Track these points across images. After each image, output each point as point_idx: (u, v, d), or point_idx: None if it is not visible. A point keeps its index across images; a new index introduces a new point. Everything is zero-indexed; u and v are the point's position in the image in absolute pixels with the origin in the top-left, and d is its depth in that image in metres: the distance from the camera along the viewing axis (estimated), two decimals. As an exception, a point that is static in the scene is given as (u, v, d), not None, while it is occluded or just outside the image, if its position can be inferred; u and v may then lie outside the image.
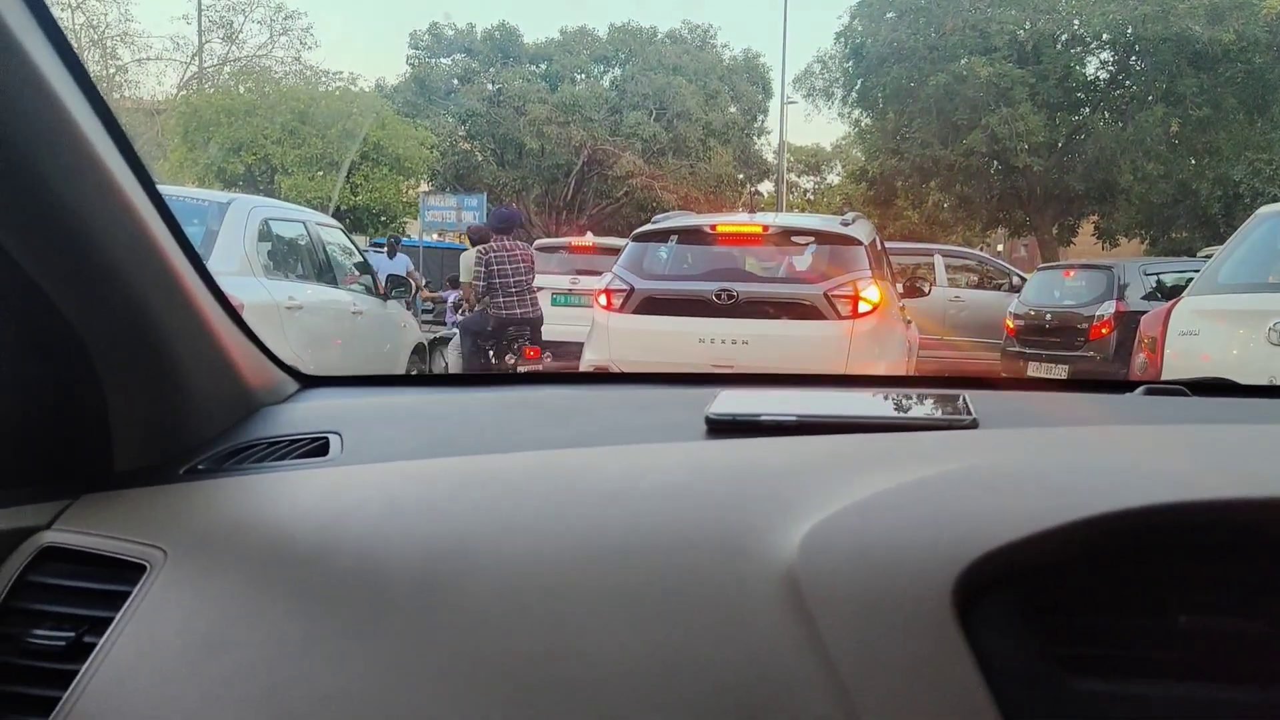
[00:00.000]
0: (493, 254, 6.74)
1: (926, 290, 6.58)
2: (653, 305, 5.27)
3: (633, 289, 5.32)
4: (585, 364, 5.48)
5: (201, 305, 0.96)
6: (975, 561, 0.64)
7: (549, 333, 9.10)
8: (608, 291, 5.41)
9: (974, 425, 0.95)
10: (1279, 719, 0.63)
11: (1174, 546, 0.68)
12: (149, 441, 0.94)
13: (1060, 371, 8.38)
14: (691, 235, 5.67)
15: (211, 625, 0.72)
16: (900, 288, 6.15)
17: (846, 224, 5.55)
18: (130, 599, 0.75)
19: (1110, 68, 19.24)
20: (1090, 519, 0.65)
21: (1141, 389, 1.16)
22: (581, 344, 5.67)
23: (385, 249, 12.56)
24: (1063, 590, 0.67)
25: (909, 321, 6.20)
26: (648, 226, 5.89)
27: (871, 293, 5.10)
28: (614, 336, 5.31)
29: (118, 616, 0.74)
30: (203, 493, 0.89)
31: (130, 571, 0.78)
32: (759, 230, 5.59)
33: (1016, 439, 0.90)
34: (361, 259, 6.88)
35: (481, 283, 6.68)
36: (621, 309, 5.31)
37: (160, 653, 0.71)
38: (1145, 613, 0.67)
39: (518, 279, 6.73)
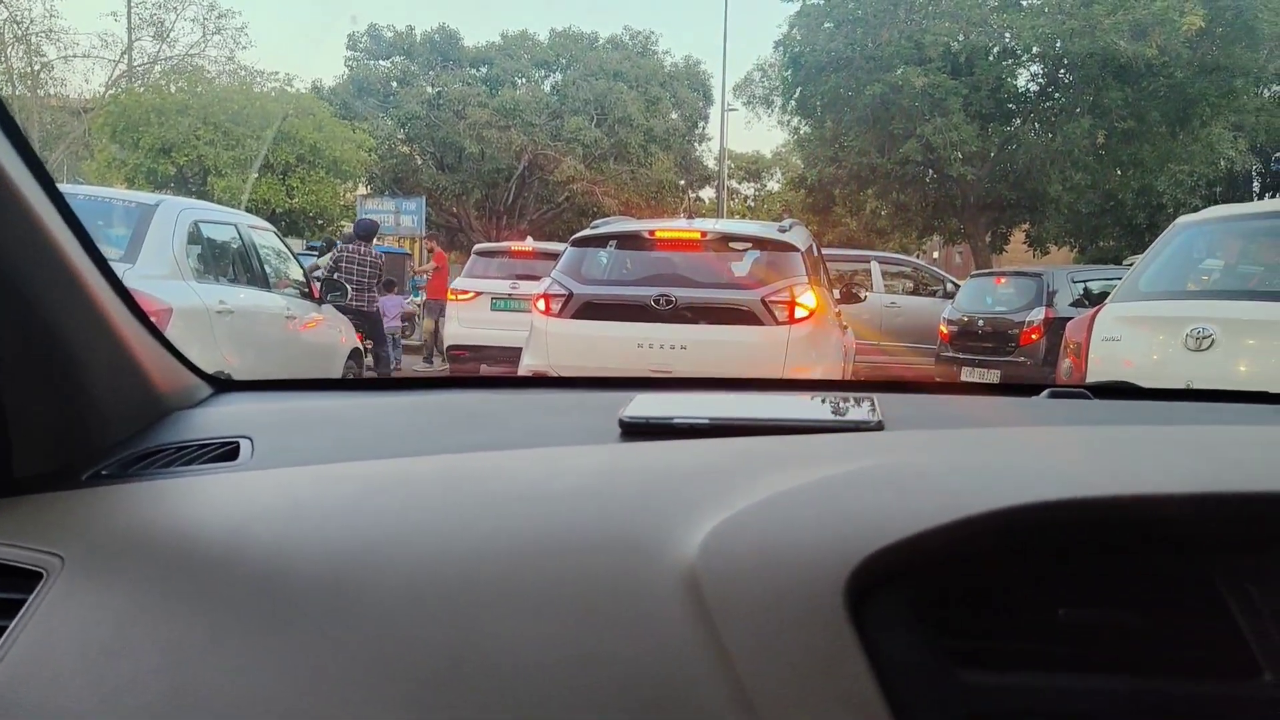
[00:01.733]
0: (343, 255, 8.59)
1: (863, 296, 6.68)
2: (591, 310, 5.28)
3: (571, 294, 5.31)
4: (524, 369, 5.46)
5: (105, 307, 0.94)
6: (867, 559, 0.65)
7: (488, 338, 9.14)
8: (546, 296, 5.41)
9: (880, 427, 0.97)
10: (1156, 706, 0.65)
11: (1061, 543, 0.70)
12: (50, 446, 0.92)
13: (993, 376, 8.58)
14: (630, 240, 5.68)
15: (111, 632, 0.71)
16: (837, 294, 6.22)
17: (783, 230, 5.64)
18: (25, 607, 0.74)
19: (1040, 80, 19.72)
20: (978, 516, 0.67)
21: (1046, 392, 1.19)
22: (520, 349, 5.66)
23: (317, 253, 12.44)
24: (952, 586, 0.69)
25: (845, 327, 6.29)
26: (586, 232, 5.90)
27: (808, 298, 5.17)
28: (552, 342, 5.30)
29: (11, 626, 0.73)
30: (105, 498, 0.87)
31: (27, 579, 0.77)
32: (697, 236, 5.61)
33: (918, 440, 0.92)
34: (298, 263, 6.78)
35: (330, 276, 7.97)
36: (560, 314, 5.31)
37: (57, 661, 0.69)
38: (1032, 607, 0.69)
39: (360, 278, 8.25)
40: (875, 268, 11.83)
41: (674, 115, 28.21)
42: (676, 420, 0.98)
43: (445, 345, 9.88)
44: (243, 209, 12.95)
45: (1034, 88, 19.79)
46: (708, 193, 31.54)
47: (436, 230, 22.94)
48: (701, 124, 29.65)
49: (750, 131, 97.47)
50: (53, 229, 0.86)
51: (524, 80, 27.44)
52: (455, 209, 27.03)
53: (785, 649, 0.62)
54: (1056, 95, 19.36)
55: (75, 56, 26.64)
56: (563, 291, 5.35)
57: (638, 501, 0.78)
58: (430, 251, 12.38)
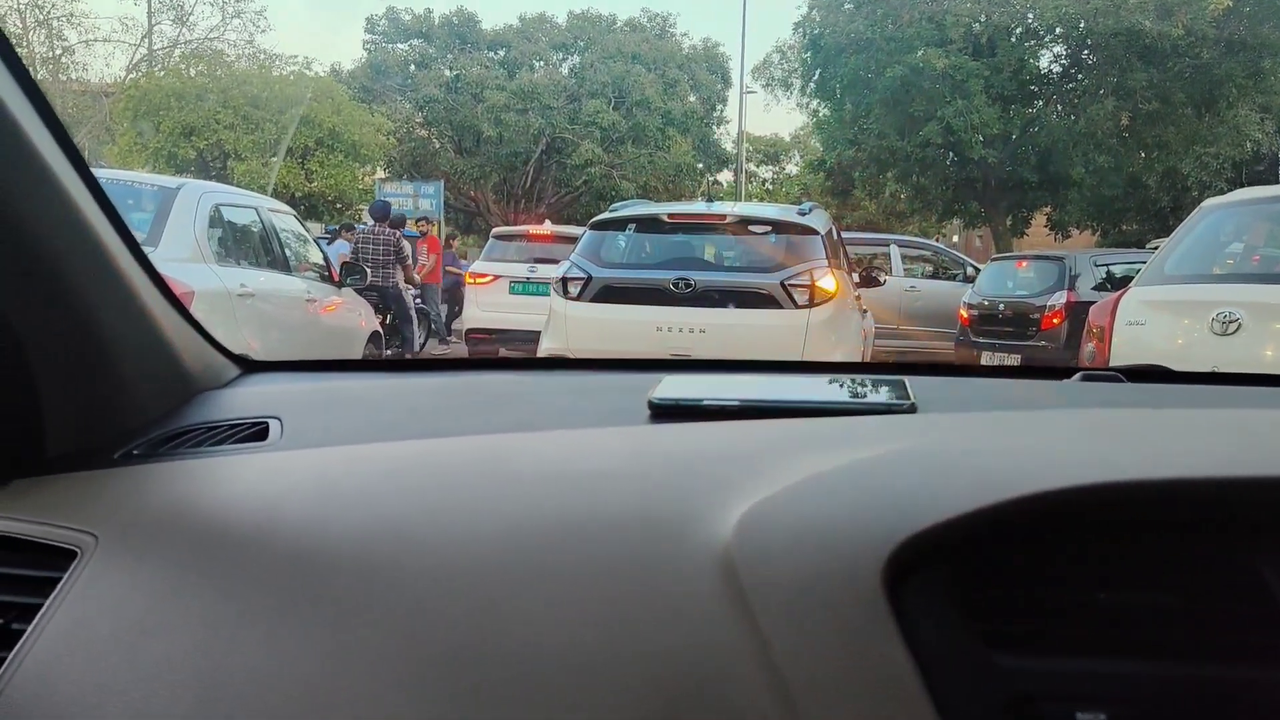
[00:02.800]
0: (360, 237, 9.29)
1: (882, 280, 6.65)
2: (610, 294, 5.27)
3: (590, 277, 5.31)
4: (543, 352, 5.46)
5: (137, 288, 0.94)
6: (905, 542, 0.65)
7: (506, 321, 9.17)
8: (565, 280, 5.41)
9: (913, 409, 0.96)
10: (1198, 691, 0.65)
11: (1097, 526, 0.69)
12: (82, 426, 0.93)
13: (1013, 360, 8.52)
14: (649, 224, 5.67)
15: (144, 611, 0.71)
16: (856, 277, 6.19)
17: (803, 214, 5.61)
18: (60, 585, 0.74)
19: (1063, 61, 19.47)
20: (1015, 500, 0.66)
21: (1079, 375, 1.18)
22: (539, 332, 5.67)
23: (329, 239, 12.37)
24: (990, 569, 0.69)
25: (864, 311, 6.26)
26: (605, 215, 5.90)
27: (827, 282, 5.16)
28: (571, 325, 5.31)
29: (47, 603, 0.73)
30: (137, 478, 0.88)
31: (60, 558, 0.77)
32: (716, 219, 5.60)
33: (952, 423, 0.92)
34: (318, 246, 6.81)
35: (352, 258, 8.57)
36: (579, 297, 5.31)
37: (91, 639, 0.70)
38: (1071, 590, 0.68)
39: (375, 257, 8.84)
40: (894, 251, 11.75)
41: (692, 98, 28.10)
42: (706, 402, 0.98)
43: (464, 329, 9.89)
44: (269, 194, 13.01)
45: (1057, 69, 19.56)
46: (726, 176, 31.44)
47: (455, 214, 22.93)
48: (720, 107, 29.53)
49: (769, 114, 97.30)
50: (86, 210, 0.86)
51: (542, 63, 27.38)
52: (473, 193, 27.06)
53: (822, 632, 0.62)
54: (1080, 76, 19.11)
55: (96, 41, 26.84)
56: (581, 275, 5.35)
57: (669, 483, 0.78)
58: (423, 234, 12.13)
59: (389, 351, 8.78)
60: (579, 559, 0.69)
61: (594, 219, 5.97)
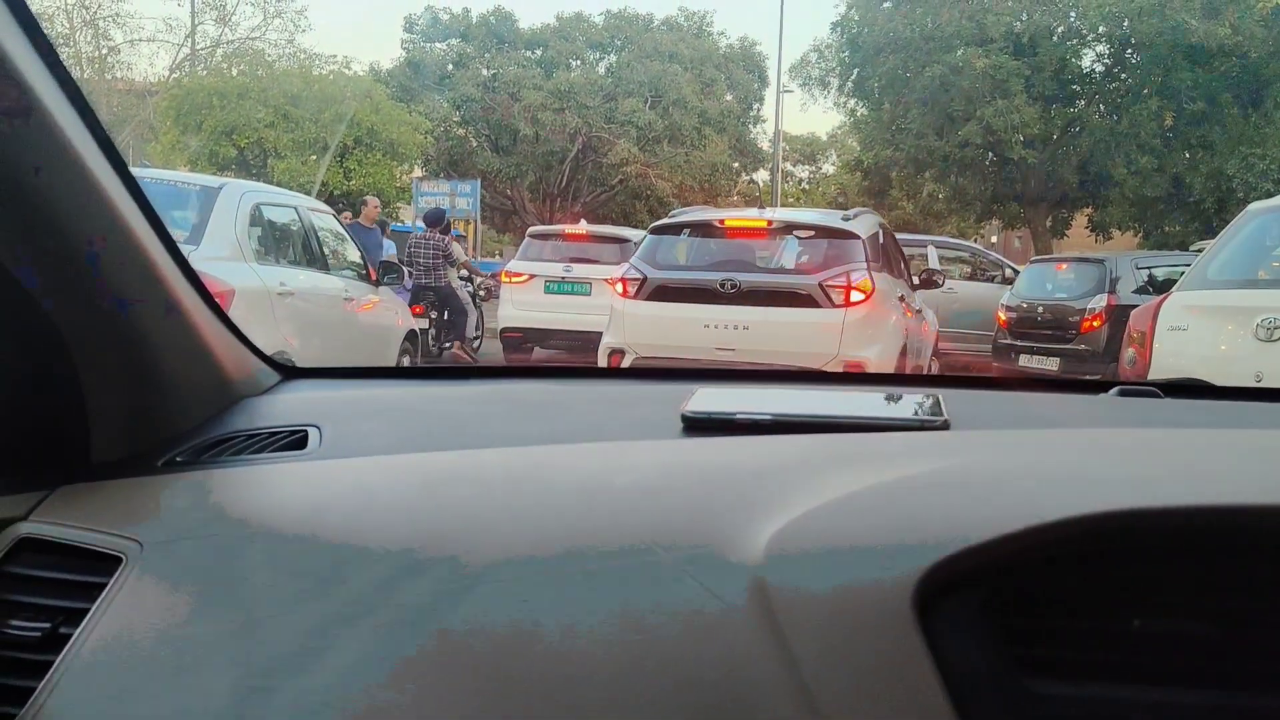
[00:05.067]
0: (412, 241, 9.87)
1: (940, 282, 6.92)
2: (663, 293, 5.78)
3: (646, 278, 5.82)
4: (604, 347, 6.00)
5: (180, 296, 0.96)
6: (937, 564, 0.64)
7: (541, 320, 9.25)
8: (624, 280, 5.94)
9: (945, 426, 0.96)
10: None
11: (1134, 551, 0.68)
12: (127, 433, 0.94)
13: (1051, 364, 8.43)
14: (703, 229, 6.20)
15: (186, 616, 0.72)
16: (917, 279, 6.72)
17: (848, 219, 6.01)
18: (105, 590, 0.76)
19: (1106, 61, 19.16)
20: (1051, 524, 0.66)
21: (1115, 390, 1.17)
22: (577, 332, 5.94)
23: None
24: (1023, 593, 0.68)
25: (919, 310, 6.70)
26: (664, 221, 6.49)
27: (864, 283, 5.48)
28: (628, 321, 5.86)
29: (93, 608, 0.75)
30: (180, 485, 0.89)
31: (106, 563, 0.79)
32: (764, 225, 6.03)
33: (986, 441, 0.91)
34: (356, 245, 6.88)
35: (407, 261, 9.46)
36: (635, 296, 5.82)
37: (135, 644, 0.71)
38: (1105, 616, 0.68)
39: (425, 260, 9.50)
40: (932, 252, 11.63)
41: (729, 97, 28.02)
42: (739, 416, 0.98)
43: (499, 328, 9.96)
44: (314, 193, 13.15)
45: (1100, 68, 19.23)
46: (762, 175, 31.31)
47: (492, 212, 22.96)
48: (756, 106, 29.44)
49: (806, 114, 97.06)
50: (132, 221, 0.88)
51: (579, 62, 27.40)
52: (509, 191, 27.14)
53: (852, 653, 0.62)
54: (1123, 76, 18.79)
55: (141, 41, 27.33)
56: (638, 276, 5.86)
57: (701, 500, 0.78)
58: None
59: (448, 344, 9.51)
60: (611, 574, 0.70)
61: (653, 225, 6.55)
